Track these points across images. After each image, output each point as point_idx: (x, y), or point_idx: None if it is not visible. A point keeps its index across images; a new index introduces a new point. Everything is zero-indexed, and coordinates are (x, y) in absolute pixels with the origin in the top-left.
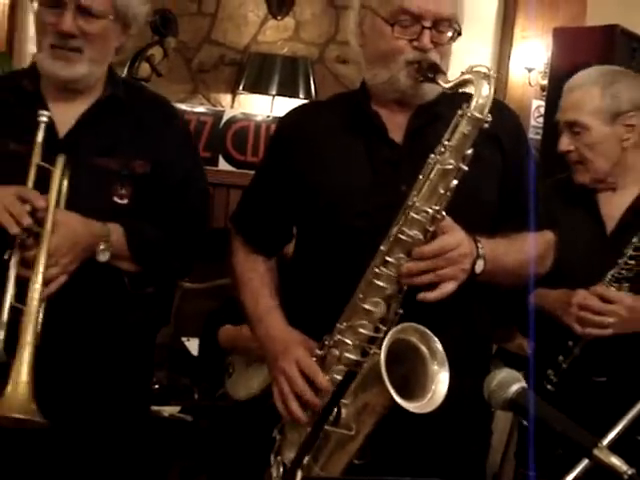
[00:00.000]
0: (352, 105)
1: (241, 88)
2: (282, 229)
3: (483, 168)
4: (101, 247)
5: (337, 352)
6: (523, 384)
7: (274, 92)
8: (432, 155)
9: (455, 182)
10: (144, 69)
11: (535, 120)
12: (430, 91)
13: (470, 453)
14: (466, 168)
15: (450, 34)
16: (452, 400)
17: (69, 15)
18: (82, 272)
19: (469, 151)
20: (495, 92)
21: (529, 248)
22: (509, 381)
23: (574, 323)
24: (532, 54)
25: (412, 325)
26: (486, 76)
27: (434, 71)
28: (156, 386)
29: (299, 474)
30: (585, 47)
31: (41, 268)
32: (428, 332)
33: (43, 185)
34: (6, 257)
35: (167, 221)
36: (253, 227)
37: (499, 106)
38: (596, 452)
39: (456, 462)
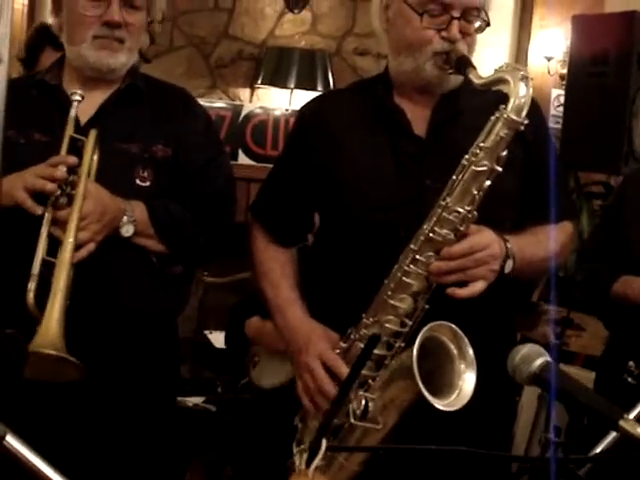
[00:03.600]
0: (374, 98)
1: (259, 82)
2: (302, 219)
3: (507, 162)
4: (124, 220)
5: (362, 345)
6: (547, 358)
7: (292, 85)
8: (466, 156)
9: (488, 183)
10: None
11: (555, 109)
12: (454, 80)
13: (494, 443)
14: (500, 169)
15: (478, 24)
16: (476, 393)
17: (116, 6)
18: (111, 252)
19: (504, 152)
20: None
21: (551, 242)
22: (532, 355)
23: None
24: (551, 43)
25: (445, 324)
26: (524, 77)
27: (464, 64)
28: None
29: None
30: (604, 34)
31: (74, 225)
32: (460, 333)
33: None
34: (39, 213)
35: (191, 202)
36: (273, 216)
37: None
38: (622, 423)
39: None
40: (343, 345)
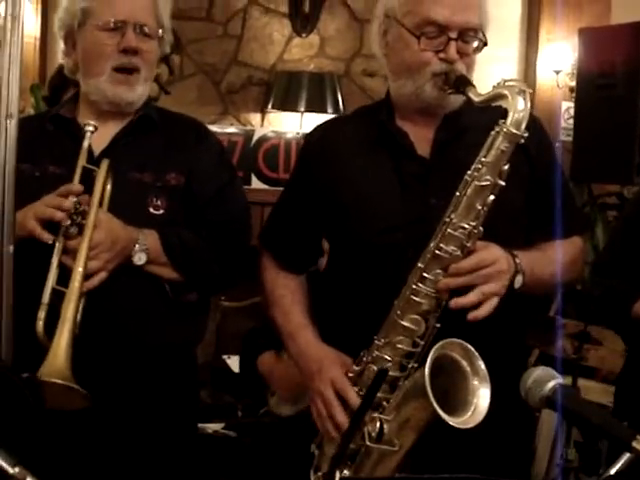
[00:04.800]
0: (376, 121)
1: (270, 107)
2: (310, 245)
3: (511, 178)
4: (137, 248)
5: (375, 368)
6: (559, 380)
7: (302, 109)
8: (469, 172)
9: (492, 197)
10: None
11: (565, 122)
12: (455, 100)
13: (513, 463)
14: (503, 183)
15: (476, 44)
16: (492, 410)
17: (131, 32)
18: (124, 281)
19: (506, 166)
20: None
21: (560, 257)
22: (545, 378)
23: None
24: (559, 56)
25: (455, 341)
26: (521, 91)
27: (463, 83)
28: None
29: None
30: (612, 46)
31: (84, 254)
32: (471, 348)
33: (88, 191)
34: (50, 243)
35: (205, 230)
36: (281, 244)
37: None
38: (635, 444)
39: (500, 473)
40: (356, 368)
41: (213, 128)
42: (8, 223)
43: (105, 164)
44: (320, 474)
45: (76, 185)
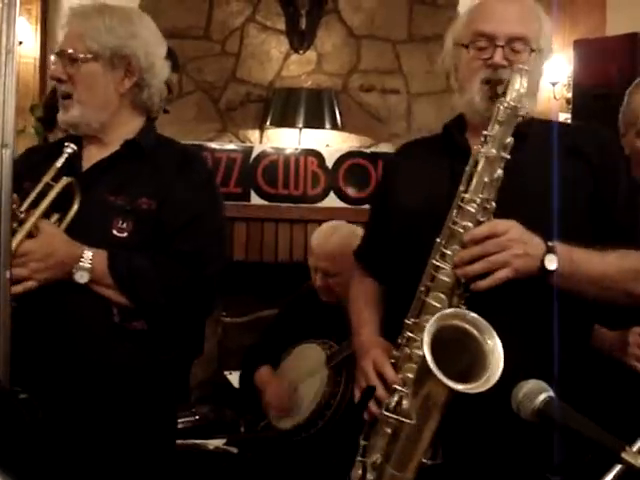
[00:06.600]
0: (446, 135)
1: (268, 123)
2: (388, 255)
3: (566, 183)
4: (78, 266)
5: (408, 350)
6: (550, 393)
7: (301, 125)
8: (475, 146)
9: (500, 171)
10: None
11: None
12: None
13: (545, 458)
14: (508, 156)
15: (527, 53)
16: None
17: (58, 62)
18: (72, 297)
19: (509, 139)
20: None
21: (622, 262)
22: (536, 391)
23: (636, 363)
24: (555, 68)
25: (447, 312)
26: (519, 69)
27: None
28: (196, 417)
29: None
30: (607, 57)
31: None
32: (463, 311)
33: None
34: None
35: (167, 258)
36: (368, 254)
37: (588, 127)
38: (624, 455)
39: (531, 466)
40: (395, 353)
41: (212, 145)
42: (5, 249)
43: (64, 181)
44: (360, 459)
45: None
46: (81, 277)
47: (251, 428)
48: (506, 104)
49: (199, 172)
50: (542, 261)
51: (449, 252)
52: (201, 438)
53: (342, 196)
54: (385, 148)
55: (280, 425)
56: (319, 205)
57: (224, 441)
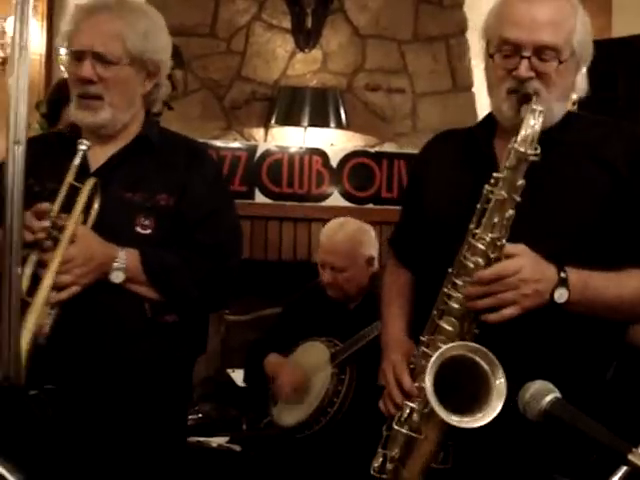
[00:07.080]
0: (473, 136)
1: (273, 122)
2: (417, 247)
3: (583, 192)
4: (114, 267)
5: (423, 362)
6: (557, 394)
7: (306, 124)
8: (486, 186)
9: (512, 212)
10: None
11: None
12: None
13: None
14: (519, 199)
15: (556, 63)
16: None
17: (87, 62)
18: (103, 297)
19: (520, 182)
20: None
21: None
22: (542, 392)
23: None
24: None
25: (454, 344)
26: (533, 110)
27: (526, 101)
28: (199, 415)
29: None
30: (613, 59)
31: (53, 268)
32: (471, 344)
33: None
34: (24, 255)
35: (191, 252)
36: (401, 243)
37: (620, 134)
38: (630, 457)
39: (538, 467)
40: (414, 360)
41: (217, 143)
42: (17, 246)
43: (91, 182)
44: (381, 451)
45: (44, 204)
46: (117, 277)
47: (254, 426)
48: (515, 147)
49: (211, 167)
50: (552, 295)
51: (460, 282)
52: (204, 436)
53: (346, 195)
54: (390, 148)
55: (283, 422)
56: (323, 204)
57: (227, 439)
